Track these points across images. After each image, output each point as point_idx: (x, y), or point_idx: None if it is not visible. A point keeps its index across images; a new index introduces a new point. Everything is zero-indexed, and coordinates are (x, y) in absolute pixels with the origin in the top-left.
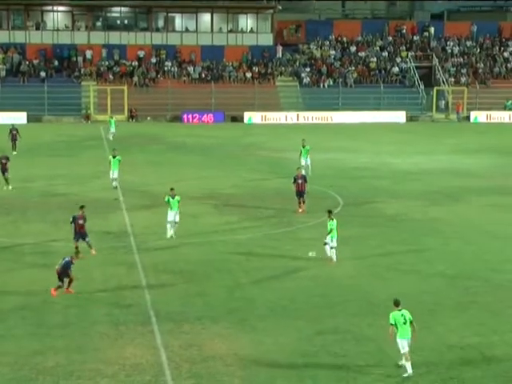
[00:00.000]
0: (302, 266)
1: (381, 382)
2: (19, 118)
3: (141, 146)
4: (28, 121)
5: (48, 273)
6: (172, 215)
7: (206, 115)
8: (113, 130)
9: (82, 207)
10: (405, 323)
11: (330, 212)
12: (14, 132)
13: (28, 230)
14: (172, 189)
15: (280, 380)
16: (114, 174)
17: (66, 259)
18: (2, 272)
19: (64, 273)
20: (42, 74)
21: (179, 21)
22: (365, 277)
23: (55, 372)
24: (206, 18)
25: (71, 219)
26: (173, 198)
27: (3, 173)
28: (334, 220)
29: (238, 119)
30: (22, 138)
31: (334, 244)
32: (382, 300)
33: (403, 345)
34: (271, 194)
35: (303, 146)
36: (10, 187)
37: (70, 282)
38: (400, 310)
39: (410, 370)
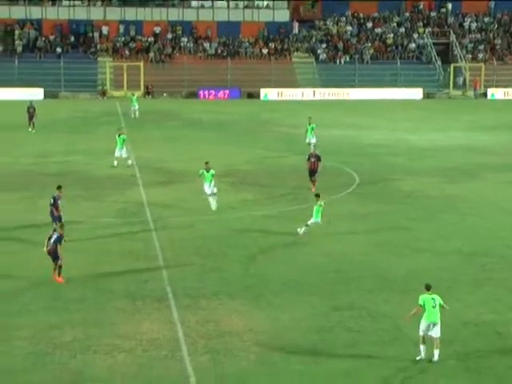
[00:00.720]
0: (317, 242)
1: (396, 358)
2: (36, 94)
3: (157, 122)
4: (45, 97)
5: (66, 248)
6: (207, 188)
7: (221, 91)
8: (134, 107)
9: (59, 187)
10: (434, 307)
11: (317, 196)
12: (31, 110)
13: (45, 205)
14: (207, 162)
15: (295, 356)
16: (122, 152)
17: (56, 235)
18: (20, 249)
19: (55, 251)
20: (59, 49)
21: None
22: (380, 253)
23: (72, 346)
24: None
25: (52, 201)
26: (207, 171)
27: None
28: (322, 202)
29: (254, 95)
30: (39, 114)
31: (310, 222)
32: (398, 276)
33: (423, 328)
34: (287, 170)
35: (309, 124)
36: None
37: (59, 268)
38: (430, 294)
39: (422, 353)
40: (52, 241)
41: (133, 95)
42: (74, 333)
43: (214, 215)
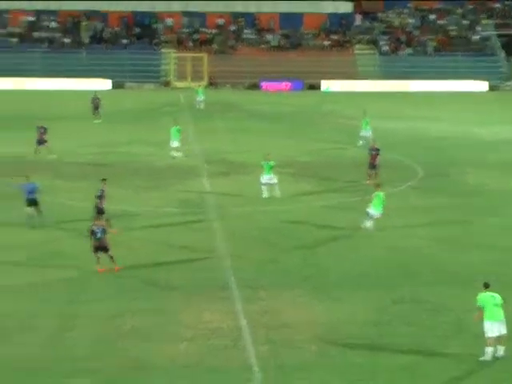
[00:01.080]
0: (377, 235)
1: (458, 353)
2: (104, 84)
3: (220, 113)
4: (112, 87)
5: (128, 237)
6: (264, 178)
7: (284, 83)
8: (200, 98)
9: (104, 180)
10: (496, 305)
11: (377, 185)
12: (96, 100)
13: (107, 195)
14: (268, 154)
15: (354, 349)
16: (174, 143)
17: (100, 229)
18: (84, 238)
19: (105, 244)
20: (124, 41)
21: None
22: (444, 247)
23: (134, 334)
24: None
25: (99, 193)
26: (267, 162)
27: (40, 143)
28: (381, 192)
29: (315, 87)
30: (105, 105)
31: (377, 215)
32: (462, 270)
33: (492, 328)
34: (347, 162)
35: (364, 117)
36: (55, 155)
37: (111, 258)
38: (486, 292)
39: (489, 356)
40: (98, 236)
41: (199, 87)
42: (136, 321)
43: (273, 206)
